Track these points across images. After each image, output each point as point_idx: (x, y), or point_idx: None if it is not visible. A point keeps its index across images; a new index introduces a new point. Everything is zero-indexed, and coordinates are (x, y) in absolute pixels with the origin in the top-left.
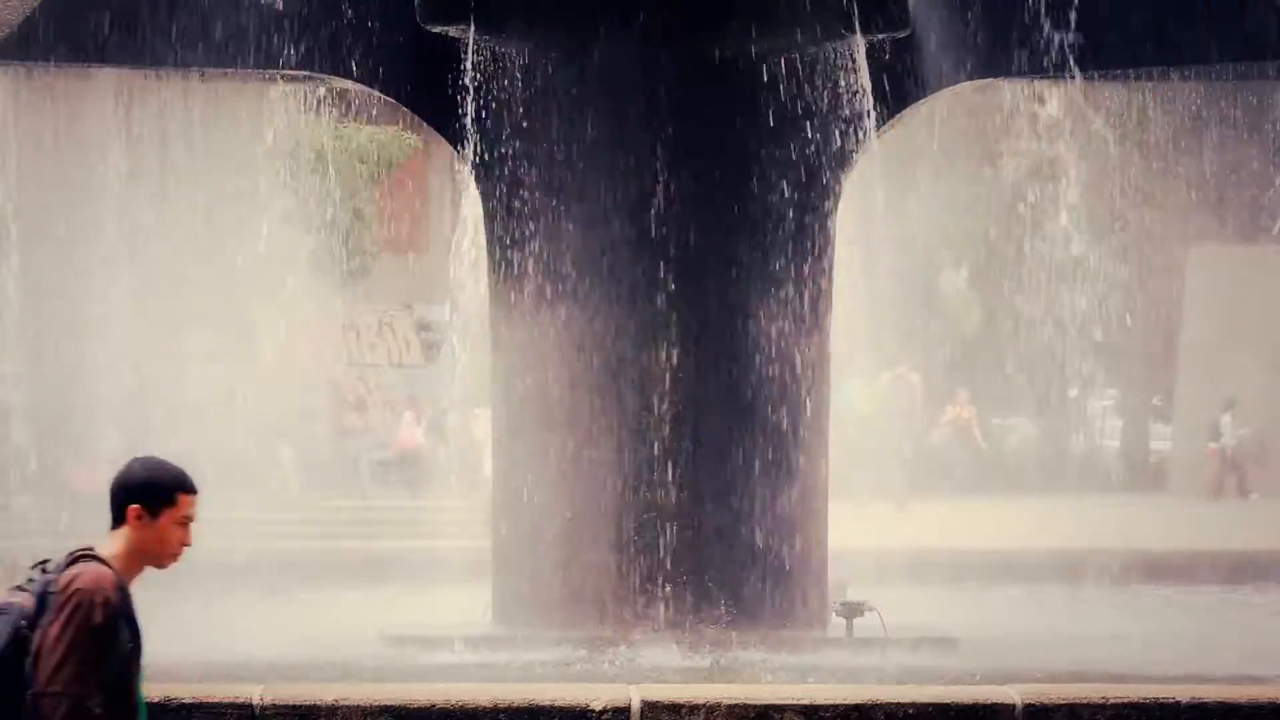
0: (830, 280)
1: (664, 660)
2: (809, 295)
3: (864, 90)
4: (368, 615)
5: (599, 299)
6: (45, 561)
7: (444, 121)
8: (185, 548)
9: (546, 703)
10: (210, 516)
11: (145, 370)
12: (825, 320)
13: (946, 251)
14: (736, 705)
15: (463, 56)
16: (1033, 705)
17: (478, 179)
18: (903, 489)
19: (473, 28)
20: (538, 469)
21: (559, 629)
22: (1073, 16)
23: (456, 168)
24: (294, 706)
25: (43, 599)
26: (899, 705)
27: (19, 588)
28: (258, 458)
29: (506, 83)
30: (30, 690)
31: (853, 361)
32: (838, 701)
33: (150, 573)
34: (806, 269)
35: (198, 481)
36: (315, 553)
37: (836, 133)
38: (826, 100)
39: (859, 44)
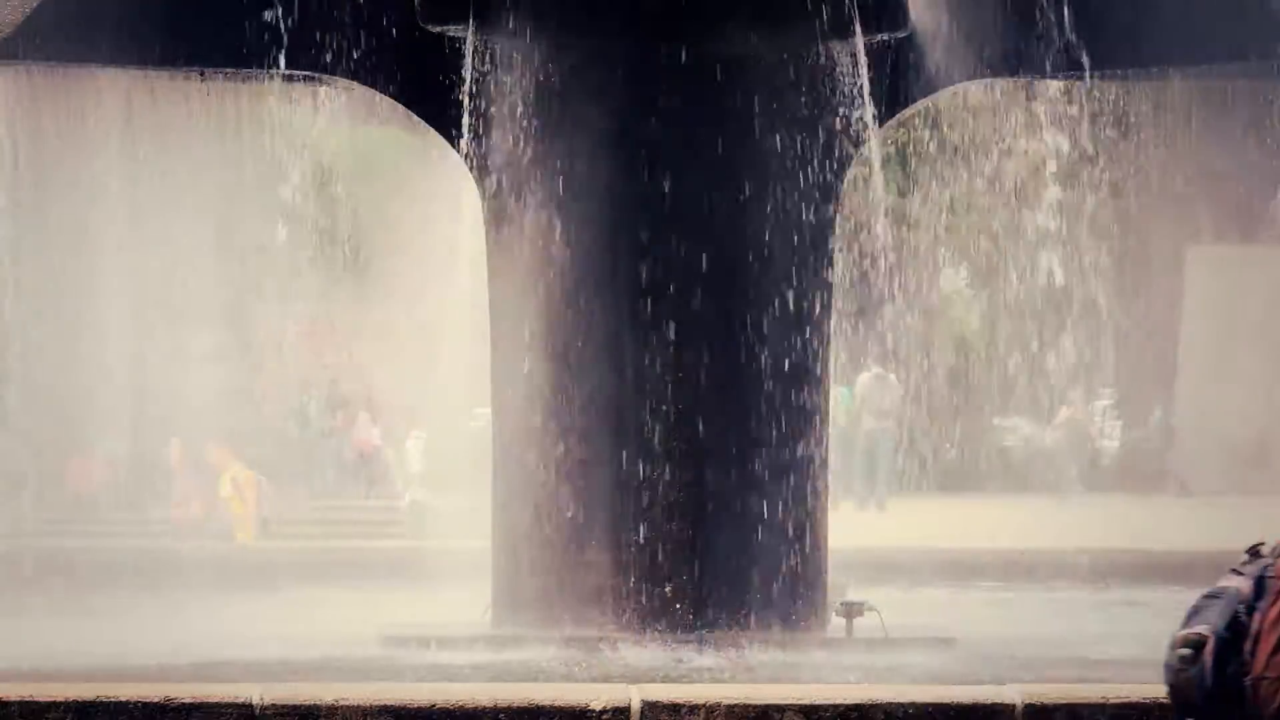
0: (831, 279)
1: (664, 660)
2: (810, 294)
3: (863, 90)
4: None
5: (598, 298)
6: (1259, 545)
7: (443, 121)
8: None
9: (546, 703)
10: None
11: (144, 370)
12: (826, 320)
13: (945, 251)
14: (736, 705)
15: (462, 56)
16: (1033, 705)
17: (476, 178)
18: (882, 489)
19: (472, 28)
20: (538, 468)
21: (559, 629)
22: (1075, 17)
23: (456, 167)
24: (294, 706)
25: (1260, 583)
26: (899, 705)
27: (1235, 571)
28: (257, 457)
29: (505, 82)
30: (1247, 675)
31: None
32: (838, 701)
33: (161, 574)
34: (807, 267)
35: (194, 479)
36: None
37: (836, 132)
38: (826, 99)
39: (859, 43)
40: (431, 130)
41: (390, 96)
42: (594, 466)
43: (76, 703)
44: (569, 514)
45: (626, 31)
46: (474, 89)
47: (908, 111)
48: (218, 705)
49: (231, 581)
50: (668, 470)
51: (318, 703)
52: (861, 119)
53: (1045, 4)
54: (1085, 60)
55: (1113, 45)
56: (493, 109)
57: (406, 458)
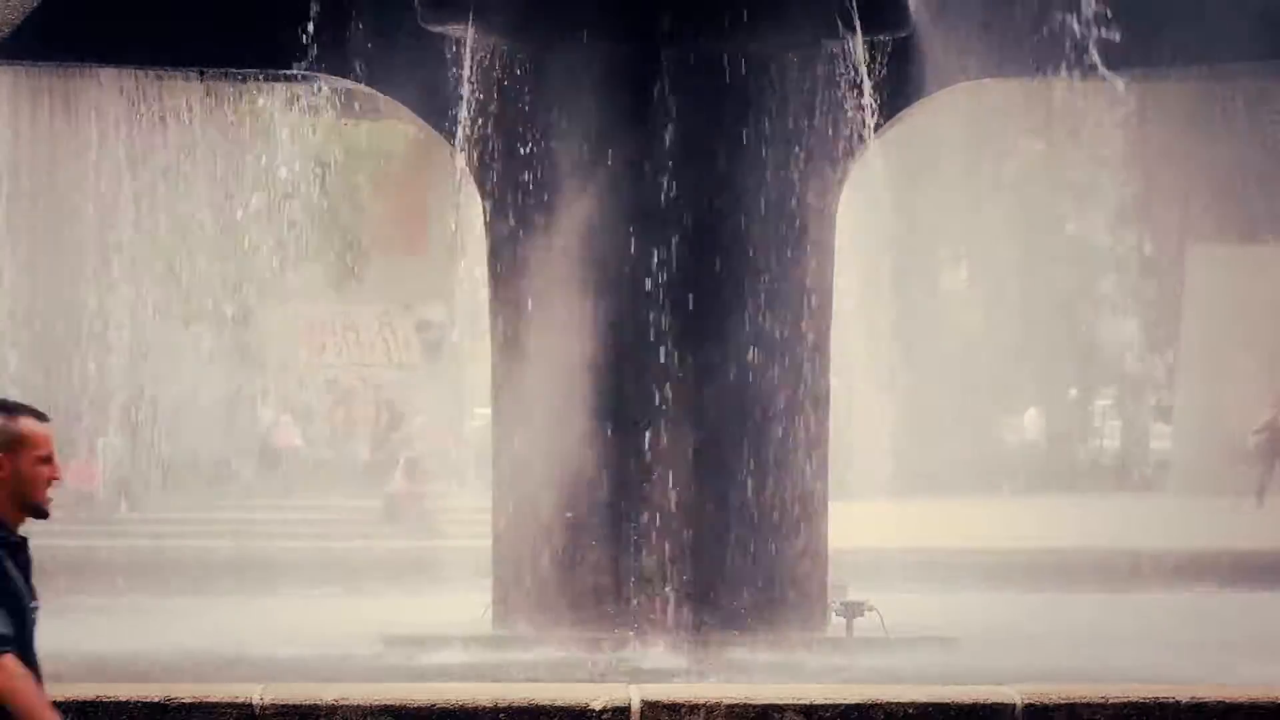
0: (830, 280)
1: (664, 660)
2: (809, 295)
3: (864, 89)
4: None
5: (598, 297)
6: None
7: (443, 120)
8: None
9: (546, 703)
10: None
11: (143, 369)
12: (825, 320)
13: (946, 250)
14: (736, 705)
15: (461, 56)
16: (1033, 705)
17: (476, 177)
18: None
19: (472, 28)
20: (538, 469)
21: (559, 629)
22: (1075, 17)
23: (455, 166)
24: (294, 706)
25: None
26: (899, 705)
27: None
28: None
29: (505, 81)
30: None
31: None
32: (838, 701)
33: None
34: (807, 268)
35: (192, 478)
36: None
37: (837, 132)
38: (827, 99)
39: (859, 43)
40: (433, 130)
41: (390, 96)
42: (594, 468)
43: (76, 702)
44: (569, 515)
45: (628, 32)
46: (473, 89)
47: (908, 110)
48: (218, 705)
49: None
50: (667, 471)
51: (318, 702)
52: (862, 118)
53: (1048, 5)
54: (1088, 61)
55: (1117, 46)
56: (492, 108)
57: None
